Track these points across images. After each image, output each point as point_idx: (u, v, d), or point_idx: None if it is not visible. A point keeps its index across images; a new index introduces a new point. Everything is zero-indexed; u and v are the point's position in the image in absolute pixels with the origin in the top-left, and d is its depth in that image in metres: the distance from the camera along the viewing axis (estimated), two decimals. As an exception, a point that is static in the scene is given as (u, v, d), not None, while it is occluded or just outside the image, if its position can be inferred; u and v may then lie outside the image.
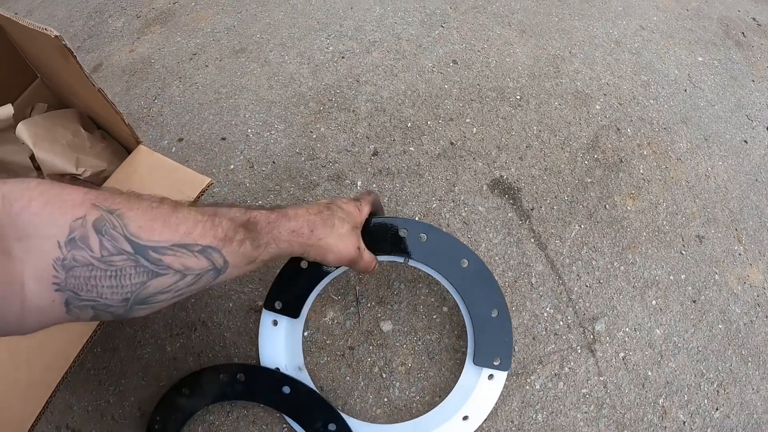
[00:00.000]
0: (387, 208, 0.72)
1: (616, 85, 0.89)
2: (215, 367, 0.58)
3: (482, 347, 0.54)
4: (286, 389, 0.55)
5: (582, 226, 0.73)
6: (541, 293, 0.67)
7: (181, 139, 0.80)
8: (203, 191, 0.56)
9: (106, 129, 0.66)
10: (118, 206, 0.29)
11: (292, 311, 0.56)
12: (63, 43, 0.43)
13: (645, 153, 0.81)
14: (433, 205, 0.73)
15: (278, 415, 0.59)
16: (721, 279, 0.72)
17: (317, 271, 0.55)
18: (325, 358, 0.63)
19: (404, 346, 0.63)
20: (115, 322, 0.64)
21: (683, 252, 0.73)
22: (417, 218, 0.71)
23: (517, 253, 0.69)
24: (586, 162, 0.79)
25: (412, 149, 0.78)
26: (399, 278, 0.67)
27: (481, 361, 0.54)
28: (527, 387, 0.61)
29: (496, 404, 0.56)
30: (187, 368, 0.62)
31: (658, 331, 0.67)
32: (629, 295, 0.68)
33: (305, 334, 0.63)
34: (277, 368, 0.57)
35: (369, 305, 0.65)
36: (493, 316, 0.54)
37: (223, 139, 0.79)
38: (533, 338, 0.64)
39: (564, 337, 0.65)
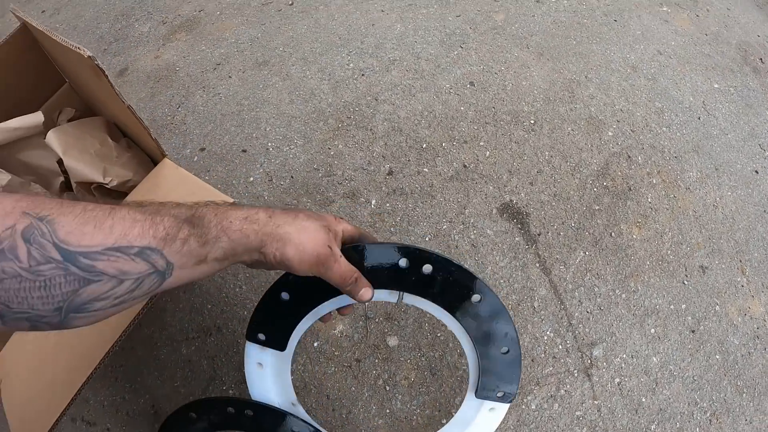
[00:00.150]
0: (398, 227, 0.75)
1: (629, 111, 0.90)
2: (227, 399, 0.53)
3: (487, 383, 0.49)
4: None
5: (587, 253, 0.75)
6: (542, 317, 0.69)
7: (203, 149, 0.83)
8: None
9: (132, 138, 0.69)
10: (48, 212, 0.28)
11: (278, 343, 0.48)
12: (96, 63, 0.45)
13: (654, 182, 0.83)
14: (444, 227, 0.75)
15: None
16: (721, 310, 0.73)
17: (303, 297, 0.47)
18: (333, 368, 0.66)
19: (408, 361, 0.66)
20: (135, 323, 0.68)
21: (685, 282, 0.75)
22: (427, 239, 0.74)
23: (522, 277, 0.72)
24: (595, 189, 0.80)
25: (426, 170, 0.80)
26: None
27: (483, 395, 0.49)
28: (523, 406, 0.64)
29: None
30: (200, 371, 0.66)
31: (654, 359, 0.69)
32: (629, 322, 0.70)
33: (315, 345, 0.67)
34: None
35: (377, 320, 0.68)
36: (502, 352, 0.48)
37: (244, 151, 0.82)
38: (532, 360, 0.67)
39: (562, 361, 0.67)
